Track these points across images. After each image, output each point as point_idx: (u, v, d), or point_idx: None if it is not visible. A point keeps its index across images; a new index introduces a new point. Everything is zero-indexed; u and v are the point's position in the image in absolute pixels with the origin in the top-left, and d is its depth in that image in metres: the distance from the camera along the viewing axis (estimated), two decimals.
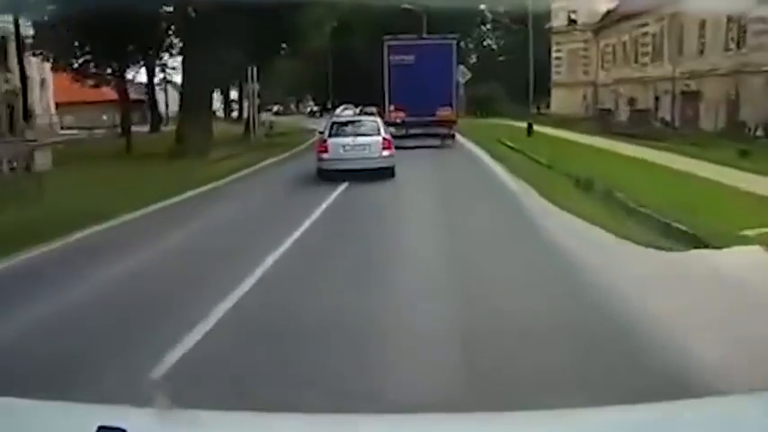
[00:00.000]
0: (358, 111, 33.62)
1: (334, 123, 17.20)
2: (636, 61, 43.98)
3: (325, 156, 15.89)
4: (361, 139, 15.91)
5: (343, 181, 14.73)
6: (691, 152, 19.62)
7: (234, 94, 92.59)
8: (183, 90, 26.82)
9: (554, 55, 57.24)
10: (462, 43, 62.95)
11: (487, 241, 9.07)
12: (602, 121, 37.94)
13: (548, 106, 58.79)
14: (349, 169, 15.14)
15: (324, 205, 12.25)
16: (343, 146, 15.81)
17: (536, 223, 10.18)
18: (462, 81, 38.48)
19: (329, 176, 15.29)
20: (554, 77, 57.36)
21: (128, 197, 12.84)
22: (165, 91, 64.08)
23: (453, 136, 25.73)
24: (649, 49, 41.78)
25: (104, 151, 26.86)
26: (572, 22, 54.97)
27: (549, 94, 58.72)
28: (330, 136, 16.17)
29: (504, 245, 8.96)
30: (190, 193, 14.49)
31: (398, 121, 25.06)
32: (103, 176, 16.76)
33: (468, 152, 23.64)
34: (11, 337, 5.48)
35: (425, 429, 2.00)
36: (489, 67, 64.69)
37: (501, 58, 70.09)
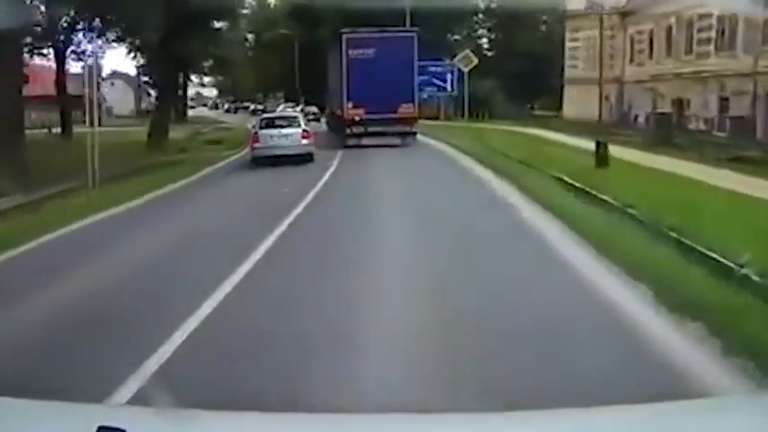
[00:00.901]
0: (299, 109, 37.55)
1: (262, 119, 21.76)
2: (688, 51, 33.29)
3: (257, 145, 19.57)
4: (284, 131, 19.69)
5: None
6: None
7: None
8: None
9: (568, 45, 47.52)
10: (450, 36, 54.53)
11: None
12: (660, 133, 26.77)
13: (558, 108, 48.76)
14: (276, 155, 18.53)
15: None
16: (271, 136, 19.42)
17: None
18: (467, 69, 28.43)
19: (261, 162, 18.64)
20: (568, 73, 47.15)
21: None
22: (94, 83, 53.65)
23: (415, 134, 24.59)
24: (712, 34, 31.10)
25: None
26: (592, 4, 44.38)
27: (559, 92, 48.90)
28: (261, 129, 20.04)
29: None
30: None
31: (357, 119, 23.84)
32: None
33: (506, 209, 11.93)
34: None
35: (425, 429, 2.00)
36: (482, 63, 54.58)
37: (491, 53, 59.80)
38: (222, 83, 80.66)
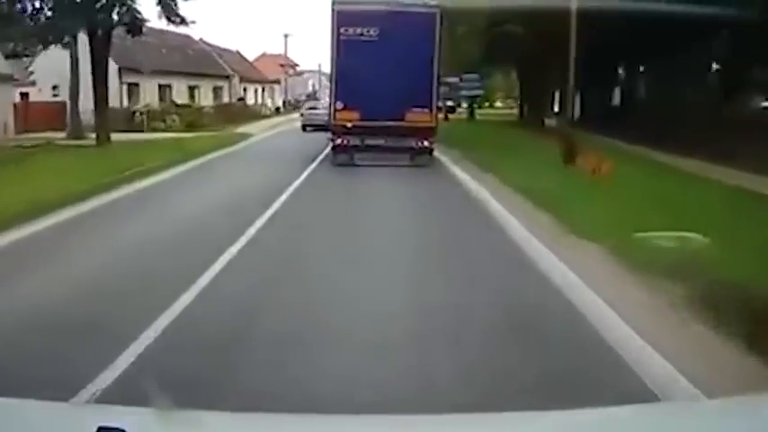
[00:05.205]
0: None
1: (308, 106, 40.50)
2: None
3: (304, 119, 37.62)
4: (318, 111, 35.23)
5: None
6: None
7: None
8: None
9: None
10: None
11: None
12: None
13: None
14: (313, 124, 34.40)
15: None
16: (311, 115, 37.09)
17: None
18: None
19: (309, 127, 35.40)
20: None
21: None
22: None
23: (431, 151, 18.43)
24: None
25: None
26: None
27: None
28: (307, 110, 38.91)
29: None
30: None
31: (349, 125, 17.73)
32: None
33: None
34: None
35: (425, 430, 2.03)
36: None
37: None
38: None
